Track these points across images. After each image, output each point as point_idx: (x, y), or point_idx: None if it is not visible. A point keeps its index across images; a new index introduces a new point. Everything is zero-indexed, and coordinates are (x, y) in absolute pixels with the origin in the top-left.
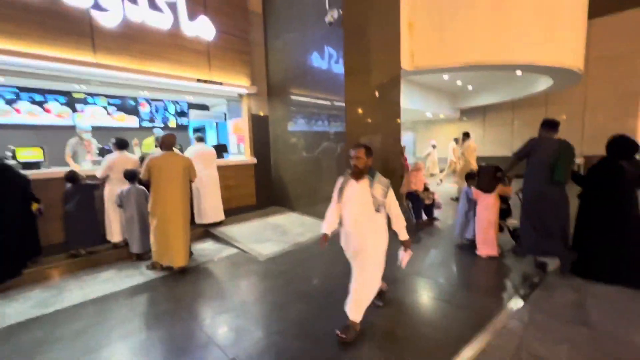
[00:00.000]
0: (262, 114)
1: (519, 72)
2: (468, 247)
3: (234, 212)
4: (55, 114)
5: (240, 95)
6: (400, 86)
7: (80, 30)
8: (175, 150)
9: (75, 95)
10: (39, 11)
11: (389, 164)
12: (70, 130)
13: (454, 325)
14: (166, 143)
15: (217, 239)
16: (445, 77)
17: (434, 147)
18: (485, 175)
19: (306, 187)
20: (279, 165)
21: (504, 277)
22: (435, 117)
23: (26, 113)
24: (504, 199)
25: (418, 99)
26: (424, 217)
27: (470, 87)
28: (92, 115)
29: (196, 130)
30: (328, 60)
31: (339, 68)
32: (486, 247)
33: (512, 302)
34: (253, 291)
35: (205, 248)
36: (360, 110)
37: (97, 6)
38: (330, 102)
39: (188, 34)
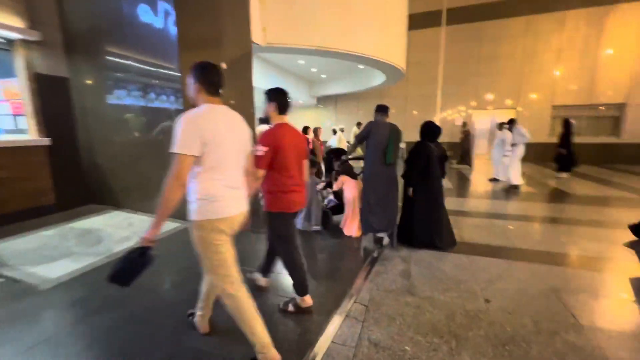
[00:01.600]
0: (56, 74)
1: (362, 66)
2: (321, 232)
3: (12, 218)
4: None
5: (9, 42)
6: (252, 61)
7: None
8: None
9: None
10: None
11: None
12: None
13: (301, 324)
14: None
15: None
16: (301, 61)
17: (341, 130)
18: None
19: (137, 176)
20: (94, 148)
21: (349, 258)
22: (293, 102)
23: None
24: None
25: (276, 82)
26: None
27: (323, 76)
28: None
29: None
30: (153, 12)
31: (169, 26)
32: (353, 227)
33: (355, 284)
34: (14, 344)
35: None
36: None
37: None
38: (163, 70)
39: None
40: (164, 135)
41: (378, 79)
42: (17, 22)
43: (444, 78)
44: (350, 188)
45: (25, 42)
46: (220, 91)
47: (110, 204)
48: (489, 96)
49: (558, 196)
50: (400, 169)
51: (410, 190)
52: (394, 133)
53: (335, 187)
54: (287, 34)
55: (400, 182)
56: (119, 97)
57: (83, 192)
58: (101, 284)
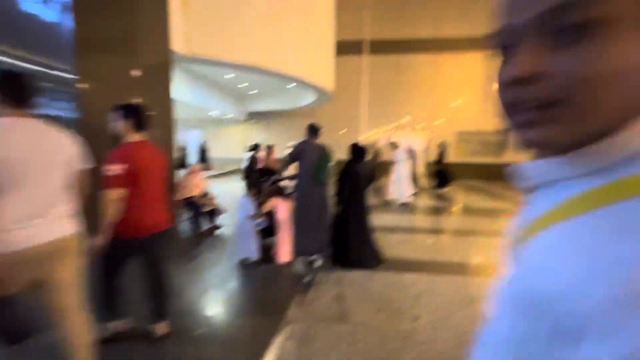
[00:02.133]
0: None
1: (292, 85)
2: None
3: None
4: None
5: None
6: (171, 71)
7: None
8: None
9: None
10: None
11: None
12: None
13: None
14: None
15: None
16: (230, 75)
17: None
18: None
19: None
20: None
21: (281, 287)
22: (223, 117)
23: None
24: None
25: (202, 94)
26: (206, 226)
27: (254, 91)
28: None
29: None
30: (44, 4)
31: (64, 20)
32: (285, 251)
33: (288, 317)
34: None
35: None
36: (104, 92)
37: None
38: (54, 72)
39: None
40: None
41: (309, 98)
42: None
43: (369, 101)
44: (281, 209)
45: None
46: (31, 102)
47: None
48: (407, 119)
49: (462, 210)
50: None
51: (340, 209)
52: (325, 154)
53: (267, 207)
54: (214, 47)
55: (332, 202)
56: None
57: None
58: None
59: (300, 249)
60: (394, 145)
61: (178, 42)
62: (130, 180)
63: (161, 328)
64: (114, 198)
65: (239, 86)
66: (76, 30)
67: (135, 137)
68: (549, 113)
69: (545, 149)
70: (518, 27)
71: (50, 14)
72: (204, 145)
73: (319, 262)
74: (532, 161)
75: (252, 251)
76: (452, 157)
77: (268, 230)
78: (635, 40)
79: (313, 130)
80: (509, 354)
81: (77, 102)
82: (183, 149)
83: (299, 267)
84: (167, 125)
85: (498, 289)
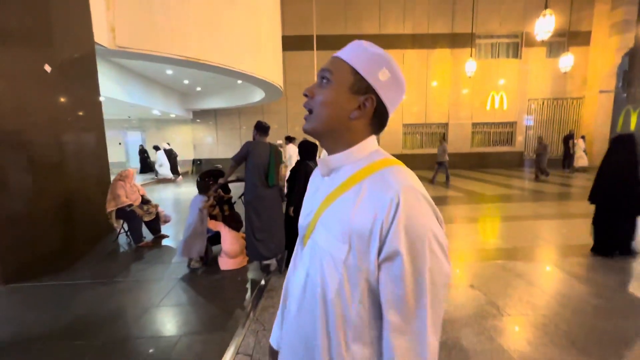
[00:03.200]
0: None
1: (239, 81)
2: (198, 269)
3: None
4: None
5: None
6: (95, 66)
7: None
8: None
9: None
10: None
11: (86, 169)
12: None
13: None
14: None
15: None
16: (170, 72)
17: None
18: (203, 180)
19: None
20: None
21: (232, 296)
22: (165, 116)
23: None
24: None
25: (141, 93)
26: (149, 236)
27: (198, 89)
28: None
29: None
30: None
31: None
32: (231, 259)
33: (238, 329)
34: None
35: None
36: (10, 90)
37: None
38: None
39: None
40: None
41: (257, 95)
42: None
43: None
44: (227, 239)
45: None
46: None
47: None
48: None
49: None
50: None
51: (292, 209)
52: (274, 154)
53: (210, 225)
54: (144, 39)
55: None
56: None
57: None
58: None
59: (253, 254)
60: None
61: (102, 34)
62: None
63: None
64: None
65: (184, 83)
66: None
67: None
68: (310, 115)
69: (308, 134)
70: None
71: None
72: (144, 148)
73: (273, 266)
74: (331, 155)
75: (198, 254)
76: (401, 149)
77: (214, 238)
78: (337, 89)
79: (261, 128)
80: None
81: None
82: (143, 152)
83: (253, 272)
84: (95, 125)
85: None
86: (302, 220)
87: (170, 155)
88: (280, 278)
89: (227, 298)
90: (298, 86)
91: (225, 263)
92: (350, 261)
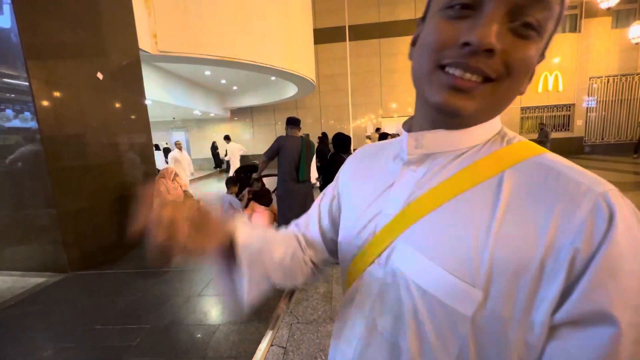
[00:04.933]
0: None
1: (273, 78)
2: None
3: None
4: None
5: None
6: (140, 72)
7: None
8: None
9: None
10: None
11: (136, 168)
12: None
13: None
14: None
15: None
16: (208, 72)
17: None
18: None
19: None
20: None
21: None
22: (205, 115)
23: None
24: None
25: (183, 95)
26: None
27: (235, 87)
28: None
29: None
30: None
31: (7, 22)
32: None
33: (272, 321)
34: None
35: None
36: (69, 98)
37: None
38: (4, 79)
39: None
40: (21, 164)
41: (291, 90)
42: None
43: (352, 89)
44: (259, 216)
45: None
46: None
47: None
48: (393, 105)
49: None
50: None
51: None
52: (306, 147)
53: (246, 213)
54: (182, 43)
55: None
56: None
57: None
58: None
59: None
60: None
61: (145, 41)
62: None
63: None
64: None
65: (221, 82)
66: (22, 31)
67: None
68: (480, 87)
69: (456, 117)
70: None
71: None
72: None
73: None
74: (430, 131)
75: None
76: None
77: None
78: (538, 46)
79: (292, 122)
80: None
81: (34, 111)
82: (215, 148)
83: None
84: (142, 127)
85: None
86: (348, 233)
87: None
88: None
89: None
90: (331, 79)
91: None
92: (485, 318)
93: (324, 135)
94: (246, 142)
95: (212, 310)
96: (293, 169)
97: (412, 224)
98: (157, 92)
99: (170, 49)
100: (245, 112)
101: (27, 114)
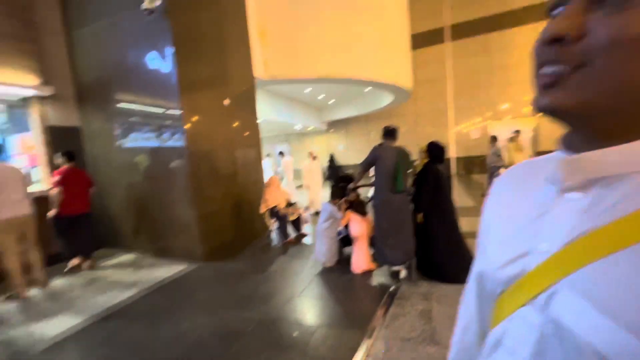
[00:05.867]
0: (68, 124)
1: (368, 89)
2: (331, 268)
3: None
4: None
5: (25, 99)
6: (255, 95)
7: None
8: None
9: None
10: None
11: (249, 178)
12: None
13: None
14: None
15: None
16: (307, 90)
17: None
18: (336, 186)
19: (144, 217)
20: (104, 192)
21: (363, 298)
22: (304, 129)
23: None
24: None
25: (285, 111)
26: (293, 235)
27: (331, 101)
28: None
29: None
30: (156, 58)
31: (170, 69)
32: (359, 262)
33: (368, 332)
34: None
35: None
36: (204, 121)
37: None
38: (166, 111)
39: None
40: (176, 174)
41: (386, 99)
42: (32, 79)
43: (454, 92)
44: (356, 225)
45: (39, 98)
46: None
47: (121, 247)
48: (505, 106)
49: None
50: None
51: (420, 215)
52: (402, 158)
53: (342, 222)
54: (288, 67)
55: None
56: (126, 141)
57: (95, 237)
58: (95, 345)
59: (381, 258)
60: (493, 140)
61: (259, 69)
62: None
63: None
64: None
65: (318, 98)
66: (179, 75)
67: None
68: (570, 77)
69: (556, 115)
70: None
71: (160, 65)
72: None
73: (403, 274)
74: (597, 150)
75: (328, 256)
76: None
77: (347, 239)
78: None
79: (389, 132)
80: None
81: (183, 133)
82: (333, 160)
83: (382, 277)
84: (255, 142)
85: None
86: (490, 263)
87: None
88: (411, 286)
89: (359, 298)
90: (428, 84)
91: (356, 264)
92: None
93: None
94: (341, 153)
95: (311, 311)
96: (389, 179)
97: (578, 268)
98: (264, 110)
99: (279, 74)
100: (340, 124)
101: (178, 135)
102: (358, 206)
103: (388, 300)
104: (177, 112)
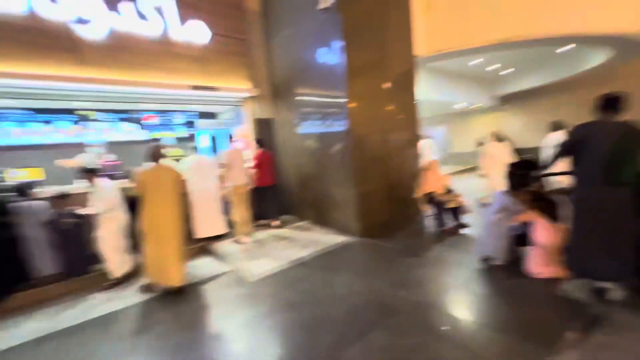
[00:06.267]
0: (267, 117)
1: (568, 47)
2: (498, 266)
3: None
4: (66, 132)
5: (242, 100)
6: (413, 75)
7: (62, 45)
8: (165, 162)
9: (83, 113)
10: (17, 29)
11: (405, 160)
12: (81, 146)
13: None
14: (153, 155)
15: (214, 255)
16: (474, 62)
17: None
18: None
19: (314, 193)
20: (288, 170)
21: (544, 308)
22: (465, 108)
23: (38, 133)
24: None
25: (446, 89)
26: (451, 224)
27: (506, 71)
28: (103, 131)
29: (180, 140)
30: (327, 52)
31: (338, 60)
32: (544, 264)
33: (558, 351)
34: (230, 321)
35: (199, 266)
36: (365, 106)
37: (79, 20)
38: (333, 99)
39: (179, 39)
40: (338, 155)
41: (594, 58)
42: (248, 85)
43: None
44: (543, 231)
45: (250, 98)
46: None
47: (297, 216)
48: None
49: None
50: None
51: None
52: (628, 137)
53: (519, 218)
54: (457, 37)
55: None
56: (304, 127)
57: (280, 206)
58: (284, 286)
59: (579, 269)
60: None
61: (420, 46)
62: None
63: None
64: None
65: (488, 69)
66: (347, 65)
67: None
68: None
69: None
70: None
71: (332, 58)
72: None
73: (616, 294)
74: None
75: (496, 253)
76: None
77: (521, 238)
78: None
79: (608, 103)
80: None
81: (346, 118)
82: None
83: (576, 291)
84: (411, 124)
85: None
86: None
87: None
88: (627, 313)
89: (535, 308)
90: None
91: (536, 266)
92: None
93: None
94: (515, 134)
95: (471, 307)
96: (601, 166)
97: None
98: (422, 91)
99: (445, 46)
100: (515, 98)
101: (342, 121)
102: (548, 207)
103: (589, 322)
104: (343, 99)
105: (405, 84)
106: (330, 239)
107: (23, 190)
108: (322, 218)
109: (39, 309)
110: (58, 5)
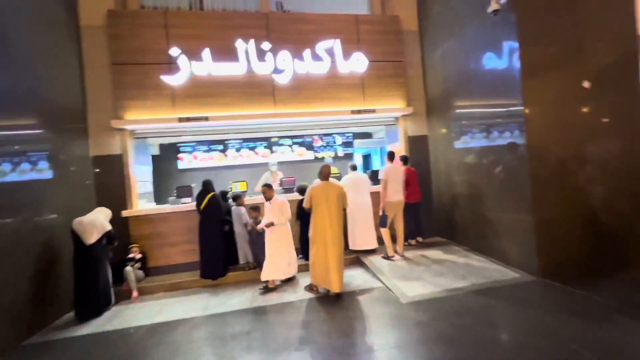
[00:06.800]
0: (420, 134)
1: None
2: None
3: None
4: (261, 155)
5: (396, 119)
6: (636, 62)
7: (265, 91)
8: (331, 180)
9: (273, 140)
10: (239, 84)
11: (618, 183)
12: (266, 165)
13: None
14: (323, 173)
15: (366, 268)
16: None
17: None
18: None
19: (474, 215)
20: (441, 188)
21: None
22: None
23: (246, 156)
24: None
25: None
26: None
27: None
28: (281, 153)
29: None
30: (496, 57)
31: (512, 63)
32: None
33: None
34: (382, 339)
35: (354, 276)
36: (547, 112)
37: (275, 70)
38: (503, 108)
39: (343, 71)
40: (506, 172)
41: None
42: (402, 104)
43: None
44: None
45: (404, 116)
46: None
47: (453, 240)
48: None
49: None
50: None
51: None
52: None
53: None
54: None
55: None
56: (463, 142)
57: (433, 226)
58: (439, 316)
59: None
60: None
61: None
62: None
63: None
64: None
65: None
66: (522, 65)
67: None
68: None
69: None
70: None
71: (503, 62)
72: None
73: None
74: None
75: None
76: None
77: None
78: None
79: None
80: None
81: (522, 128)
82: None
83: None
84: (630, 131)
85: None
86: None
87: None
88: None
89: None
90: None
91: None
92: None
93: None
94: None
95: None
96: None
97: None
98: None
99: None
100: None
101: (516, 132)
102: None
103: None
104: (516, 107)
105: (617, 77)
106: (496, 272)
107: (236, 198)
108: (481, 245)
109: (239, 288)
110: (266, 63)
